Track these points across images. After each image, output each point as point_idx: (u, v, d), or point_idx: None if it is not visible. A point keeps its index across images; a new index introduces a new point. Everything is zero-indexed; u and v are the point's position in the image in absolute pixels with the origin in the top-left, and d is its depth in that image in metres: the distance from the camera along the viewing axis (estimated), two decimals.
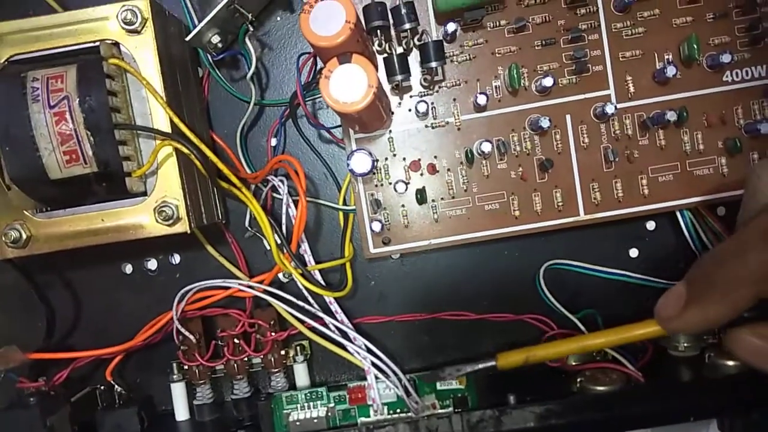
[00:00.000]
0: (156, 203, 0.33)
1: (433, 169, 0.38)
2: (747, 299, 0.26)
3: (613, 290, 0.41)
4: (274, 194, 0.40)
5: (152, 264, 0.42)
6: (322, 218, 0.42)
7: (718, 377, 0.35)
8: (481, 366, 0.35)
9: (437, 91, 0.38)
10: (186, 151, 0.32)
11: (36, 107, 0.31)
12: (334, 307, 0.38)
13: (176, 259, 0.42)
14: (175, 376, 0.40)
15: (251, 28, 0.37)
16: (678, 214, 0.39)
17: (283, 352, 0.40)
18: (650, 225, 0.41)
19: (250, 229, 0.41)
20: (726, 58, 0.36)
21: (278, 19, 0.41)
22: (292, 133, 0.42)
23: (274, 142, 0.41)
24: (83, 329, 0.42)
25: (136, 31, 0.33)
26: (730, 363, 0.35)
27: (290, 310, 0.38)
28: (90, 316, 0.42)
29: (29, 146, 0.31)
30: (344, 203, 0.40)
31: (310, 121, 0.39)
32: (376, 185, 0.39)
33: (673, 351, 0.39)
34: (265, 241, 0.41)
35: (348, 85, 0.31)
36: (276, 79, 0.42)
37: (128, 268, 0.42)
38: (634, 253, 0.41)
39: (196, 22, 0.38)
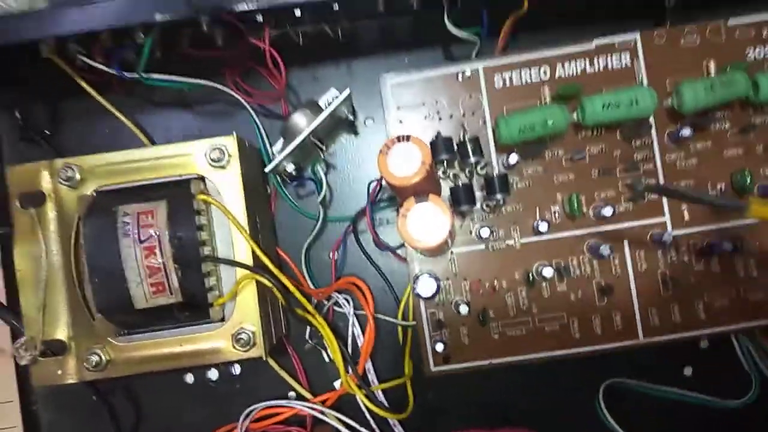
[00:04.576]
0: (234, 329, 0.34)
1: (493, 290, 0.40)
2: None
3: (670, 410, 0.41)
4: (336, 308, 0.42)
5: (213, 374, 0.43)
6: (380, 329, 0.43)
7: None
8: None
9: (498, 215, 0.40)
10: (269, 284, 0.33)
11: (126, 242, 0.33)
12: (398, 429, 0.39)
13: (237, 369, 0.43)
14: None
15: (322, 156, 0.39)
16: (733, 338, 0.40)
17: None
18: (704, 344, 0.42)
19: (310, 341, 0.42)
20: None
21: (343, 140, 0.43)
22: (352, 246, 0.43)
23: (336, 255, 0.43)
24: None
25: (222, 167, 0.35)
26: None
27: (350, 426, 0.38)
28: (152, 425, 0.43)
29: (118, 279, 0.33)
30: (404, 318, 0.41)
31: (376, 244, 0.40)
32: (437, 304, 0.40)
33: None
34: (323, 354, 0.42)
35: (424, 223, 0.33)
36: (339, 196, 0.43)
37: (189, 378, 0.43)
38: (688, 371, 0.42)
39: (268, 146, 0.40)
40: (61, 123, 0.43)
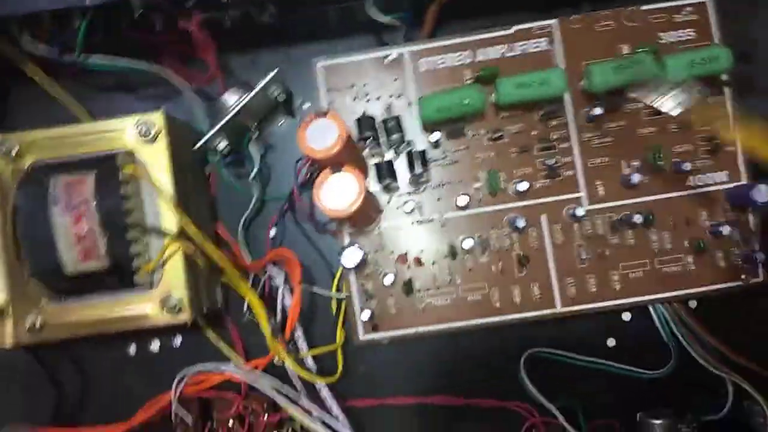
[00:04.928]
0: (161, 295, 0.36)
1: (419, 262, 0.41)
2: None
3: (592, 378, 0.43)
4: (272, 282, 0.43)
5: (155, 345, 0.45)
6: (317, 303, 0.45)
7: None
8: None
9: (423, 191, 0.41)
10: (190, 249, 0.35)
11: (56, 210, 0.35)
12: (324, 392, 0.40)
13: (178, 341, 0.45)
14: None
15: (253, 136, 0.41)
16: (650, 308, 0.42)
17: None
18: (626, 316, 0.44)
19: (247, 314, 0.44)
20: (688, 166, 0.40)
21: (281, 122, 0.45)
22: (290, 224, 0.45)
23: (273, 233, 0.44)
24: (89, 408, 0.44)
25: (151, 141, 0.37)
26: None
27: (282, 396, 0.40)
28: (96, 395, 0.45)
29: (49, 245, 0.35)
30: (337, 290, 0.43)
31: (307, 218, 0.42)
32: (367, 275, 0.42)
33: None
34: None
35: (340, 192, 0.35)
36: (278, 175, 0.45)
37: (132, 349, 0.45)
38: (611, 342, 0.44)
39: (206, 127, 0.42)
40: (7, 106, 0.45)
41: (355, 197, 0.34)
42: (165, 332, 0.45)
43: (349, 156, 0.36)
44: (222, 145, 0.40)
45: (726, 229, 0.40)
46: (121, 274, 0.36)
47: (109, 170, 0.36)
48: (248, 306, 0.43)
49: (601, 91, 0.39)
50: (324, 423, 0.40)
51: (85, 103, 0.44)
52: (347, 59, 0.41)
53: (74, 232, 0.34)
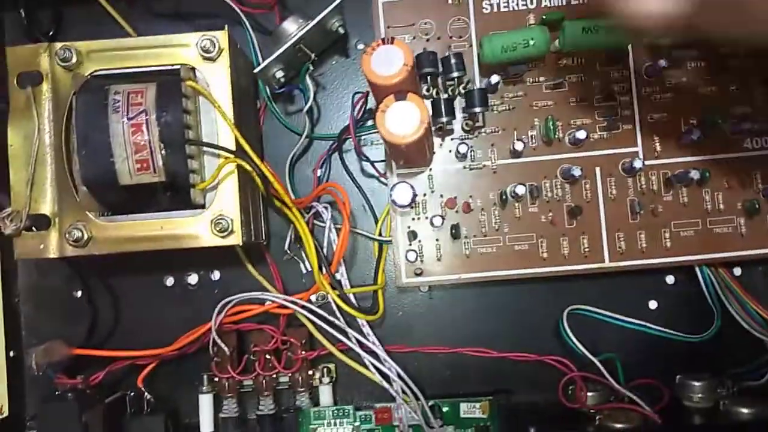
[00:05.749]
0: (213, 216, 0.36)
1: (468, 208, 0.41)
2: None
3: (632, 339, 0.43)
4: (316, 221, 0.43)
5: (193, 279, 0.44)
6: (358, 248, 0.44)
7: (732, 423, 0.36)
8: None
9: (477, 136, 0.41)
10: (249, 168, 0.35)
11: (115, 117, 0.34)
12: (366, 329, 0.40)
13: (216, 275, 0.44)
14: (204, 388, 0.42)
15: (311, 67, 0.40)
16: (697, 270, 0.41)
17: (310, 372, 0.42)
18: (670, 279, 0.43)
19: (288, 252, 0.43)
20: (746, 125, 0.39)
21: (334, 62, 0.45)
22: (336, 165, 0.44)
23: (319, 173, 0.44)
24: (122, 335, 0.44)
25: (212, 59, 0.36)
26: (745, 410, 0.36)
27: (323, 329, 0.40)
28: (130, 323, 0.44)
29: (105, 152, 0.34)
30: (380, 234, 0.42)
31: (357, 153, 0.42)
32: (413, 218, 0.41)
33: (687, 402, 0.40)
34: (302, 265, 0.43)
35: (402, 120, 0.34)
36: (327, 116, 0.45)
37: (170, 281, 0.44)
38: (653, 305, 0.43)
39: (260, 58, 0.42)
40: (64, 25, 0.44)
41: (417, 124, 0.34)
42: (204, 265, 0.44)
43: (410, 87, 0.35)
44: (280, 73, 0.39)
45: None
46: (175, 190, 0.35)
47: (171, 83, 0.35)
48: (290, 245, 0.43)
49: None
50: (364, 360, 0.39)
51: (140, 27, 0.43)
52: None
53: (132, 141, 0.34)
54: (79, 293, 0.44)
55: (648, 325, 0.42)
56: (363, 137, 0.44)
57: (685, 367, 0.42)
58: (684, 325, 0.42)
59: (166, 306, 0.44)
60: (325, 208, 0.41)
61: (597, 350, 0.41)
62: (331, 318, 0.39)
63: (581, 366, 0.41)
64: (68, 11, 0.45)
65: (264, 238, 0.43)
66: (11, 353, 0.42)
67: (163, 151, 0.34)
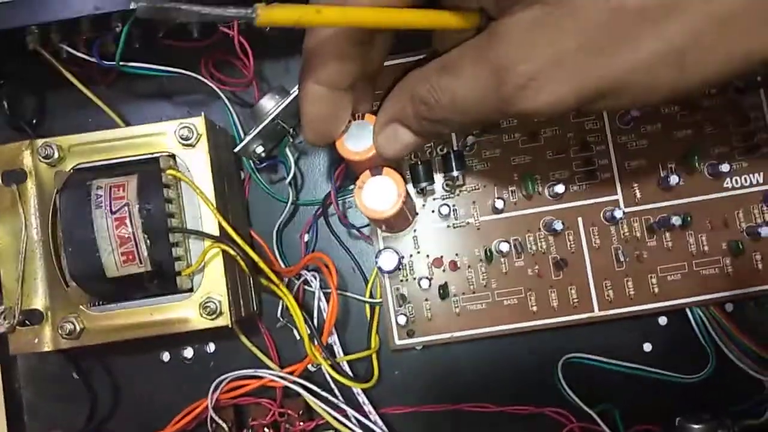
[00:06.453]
0: (201, 299, 0.36)
1: (454, 266, 0.41)
2: None
3: (630, 383, 0.43)
4: (306, 287, 0.43)
5: (188, 352, 0.45)
6: (350, 309, 0.45)
7: None
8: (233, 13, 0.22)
9: (458, 195, 0.41)
10: (233, 253, 0.35)
11: (99, 212, 0.35)
12: (361, 398, 0.40)
13: (211, 348, 0.45)
14: None
15: (291, 139, 0.41)
16: (688, 312, 0.41)
17: None
18: (662, 320, 0.43)
19: (281, 319, 0.43)
20: (725, 167, 0.39)
21: None
22: (323, 230, 0.45)
23: (306, 237, 0.44)
24: (122, 416, 0.44)
25: (191, 145, 0.37)
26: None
27: (318, 401, 0.40)
28: (129, 402, 0.44)
29: (91, 247, 0.35)
30: (371, 296, 0.43)
31: (341, 221, 0.42)
32: (401, 280, 0.42)
33: None
34: (295, 331, 0.44)
35: (380, 194, 0.34)
36: (311, 180, 0.45)
37: (166, 356, 0.45)
38: (648, 347, 0.43)
39: (242, 133, 0.42)
40: (47, 112, 0.45)
41: (395, 199, 0.34)
42: (198, 339, 0.45)
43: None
44: (260, 149, 0.40)
45: (764, 231, 0.39)
46: (162, 278, 0.36)
47: (152, 174, 0.36)
48: (282, 312, 0.43)
49: None
50: (362, 429, 0.40)
51: (122, 110, 0.44)
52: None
53: (117, 235, 0.34)
54: (77, 376, 0.44)
55: (644, 368, 0.42)
56: (348, 199, 0.45)
57: (684, 408, 0.42)
58: (680, 365, 0.42)
59: (163, 382, 0.44)
60: (314, 276, 0.42)
61: (595, 397, 0.41)
62: (323, 393, 0.40)
63: (580, 416, 0.41)
64: (51, 98, 0.45)
65: (256, 308, 0.43)
66: None
67: (147, 242, 0.35)
